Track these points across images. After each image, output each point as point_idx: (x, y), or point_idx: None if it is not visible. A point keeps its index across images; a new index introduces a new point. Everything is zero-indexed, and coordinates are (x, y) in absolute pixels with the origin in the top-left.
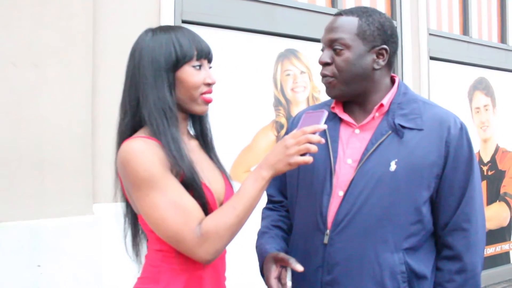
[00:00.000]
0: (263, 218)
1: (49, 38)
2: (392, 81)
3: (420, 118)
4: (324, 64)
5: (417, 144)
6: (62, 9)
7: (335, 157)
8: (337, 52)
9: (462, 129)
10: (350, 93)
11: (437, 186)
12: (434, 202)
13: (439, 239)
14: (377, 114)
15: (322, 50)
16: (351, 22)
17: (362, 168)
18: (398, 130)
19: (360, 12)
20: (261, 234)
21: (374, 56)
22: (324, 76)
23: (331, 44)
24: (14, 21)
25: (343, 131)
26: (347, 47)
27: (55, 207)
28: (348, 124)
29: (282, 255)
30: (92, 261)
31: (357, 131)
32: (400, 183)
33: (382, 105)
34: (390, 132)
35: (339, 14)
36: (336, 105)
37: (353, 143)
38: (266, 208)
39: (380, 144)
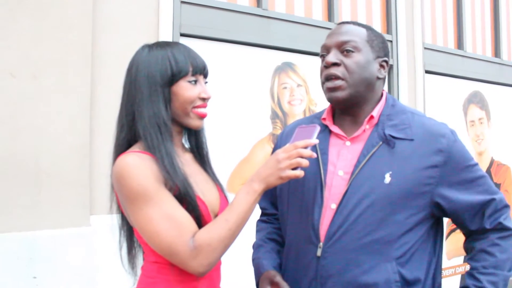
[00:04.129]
0: (257, 231)
1: (47, 49)
2: (381, 94)
3: (410, 128)
4: (332, 65)
5: (409, 154)
6: (61, 21)
7: (325, 170)
8: (347, 54)
9: (454, 134)
10: (355, 97)
11: (440, 196)
12: (453, 213)
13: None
14: (367, 126)
15: (324, 54)
16: (361, 30)
17: (355, 180)
18: (389, 141)
19: (365, 25)
20: (257, 247)
21: (378, 66)
22: (331, 77)
23: (341, 46)
24: (12, 33)
25: (333, 143)
26: (358, 50)
27: (51, 218)
28: (338, 136)
29: (278, 279)
30: (89, 273)
31: (348, 143)
32: (395, 195)
33: (372, 116)
34: (381, 143)
35: (346, 22)
36: (327, 117)
37: (344, 155)
38: (260, 221)
39: (371, 155)
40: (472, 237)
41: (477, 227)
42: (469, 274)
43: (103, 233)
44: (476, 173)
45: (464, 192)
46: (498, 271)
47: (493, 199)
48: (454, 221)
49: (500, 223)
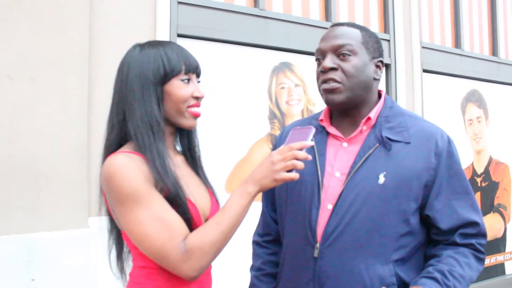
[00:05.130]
0: (253, 255)
1: (45, 51)
2: (379, 95)
3: (407, 131)
4: (329, 70)
5: (404, 156)
6: (58, 22)
7: (323, 171)
8: (343, 58)
9: (450, 141)
10: (353, 100)
11: (427, 198)
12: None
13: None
14: (364, 127)
15: (319, 59)
16: (355, 32)
17: (350, 181)
18: (385, 143)
19: (359, 25)
20: (253, 285)
21: (374, 67)
22: (329, 81)
23: (337, 50)
24: (10, 34)
25: (331, 144)
26: (355, 53)
27: (50, 220)
28: (335, 137)
29: None
30: (88, 275)
31: (345, 144)
32: (389, 196)
33: (369, 118)
34: (377, 145)
35: (340, 24)
36: (325, 118)
37: (341, 156)
38: (256, 244)
39: (368, 157)
40: (439, 246)
41: (447, 237)
42: (436, 271)
43: (101, 235)
44: (466, 184)
45: (453, 201)
46: (462, 283)
47: (477, 223)
48: (427, 224)
49: (472, 244)
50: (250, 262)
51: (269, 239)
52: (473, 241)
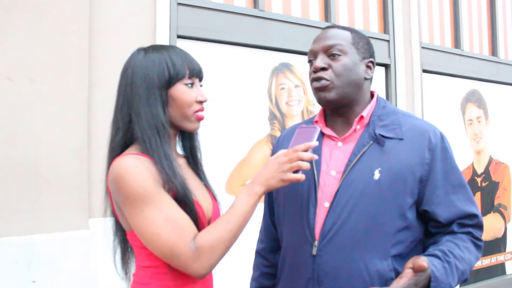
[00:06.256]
0: (254, 264)
1: (44, 53)
2: (372, 95)
3: (400, 129)
4: (320, 69)
5: (398, 152)
6: (58, 24)
7: (319, 170)
8: (334, 58)
9: (443, 137)
10: (344, 98)
11: (423, 193)
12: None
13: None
14: (358, 126)
15: (312, 60)
16: (345, 33)
17: (346, 178)
18: (379, 140)
19: (349, 28)
20: None
21: (364, 67)
22: (319, 79)
23: (327, 50)
24: (9, 36)
25: (326, 144)
26: (344, 53)
27: (50, 222)
28: (330, 137)
29: None
30: (88, 277)
31: (339, 143)
32: (384, 191)
33: (362, 117)
34: (371, 142)
35: (331, 27)
36: (319, 119)
37: (336, 155)
38: (257, 253)
39: (362, 154)
40: (437, 236)
41: (445, 229)
42: (436, 250)
43: (102, 236)
44: (462, 178)
45: (451, 195)
46: (463, 263)
47: (476, 215)
48: (425, 218)
49: (470, 232)
50: (249, 265)
51: (269, 248)
52: (470, 229)
